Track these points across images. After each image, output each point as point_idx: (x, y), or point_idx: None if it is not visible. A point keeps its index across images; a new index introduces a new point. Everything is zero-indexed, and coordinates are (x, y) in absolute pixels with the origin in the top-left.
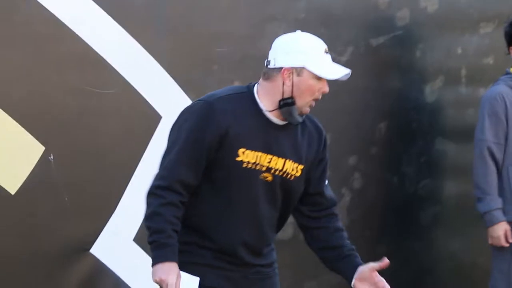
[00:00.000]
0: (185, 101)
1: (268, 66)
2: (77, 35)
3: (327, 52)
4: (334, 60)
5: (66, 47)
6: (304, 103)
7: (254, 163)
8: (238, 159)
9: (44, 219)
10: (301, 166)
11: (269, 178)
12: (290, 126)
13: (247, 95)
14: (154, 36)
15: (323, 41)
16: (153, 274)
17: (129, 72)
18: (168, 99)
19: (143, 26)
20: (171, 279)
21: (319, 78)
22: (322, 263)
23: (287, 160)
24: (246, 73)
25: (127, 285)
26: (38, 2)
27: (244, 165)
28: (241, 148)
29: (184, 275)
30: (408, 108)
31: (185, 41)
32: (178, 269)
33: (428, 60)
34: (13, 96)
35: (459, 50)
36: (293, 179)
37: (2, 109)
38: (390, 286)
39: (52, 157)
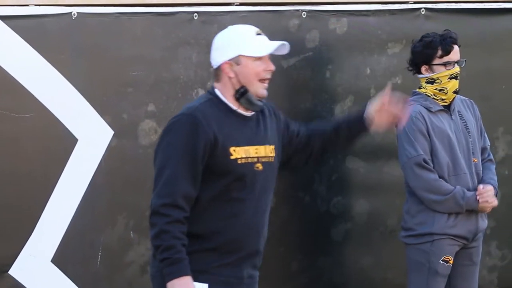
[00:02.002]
0: (101, 124)
1: (213, 68)
2: None
3: (259, 34)
4: None
5: None
6: (256, 87)
7: (246, 157)
8: (232, 157)
9: None
10: (272, 147)
11: (260, 167)
12: (255, 115)
13: (215, 99)
14: (69, 60)
15: (254, 26)
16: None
17: (45, 96)
18: (84, 122)
19: (58, 51)
20: None
21: (258, 59)
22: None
23: (265, 146)
24: (160, 95)
25: None
26: None
27: (239, 161)
28: (231, 147)
29: (195, 284)
30: None
31: (100, 65)
32: (193, 282)
33: (338, 81)
34: None
35: (368, 71)
36: (273, 160)
37: None
38: None
39: None
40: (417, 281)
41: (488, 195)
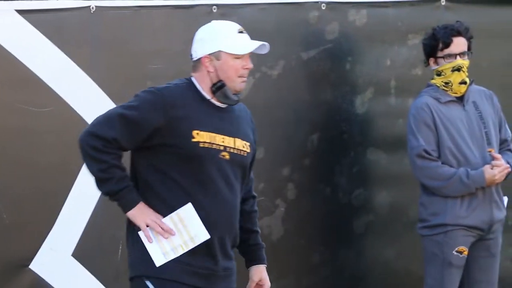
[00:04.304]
0: None
1: (192, 60)
2: (13, 55)
3: (241, 32)
4: (264, 75)
5: (1, 67)
6: (234, 82)
7: (210, 142)
8: (194, 140)
9: None
10: (248, 143)
11: (227, 156)
12: (230, 108)
13: (190, 85)
14: (88, 54)
15: (236, 23)
16: (136, 219)
17: (64, 90)
18: None
19: (77, 45)
20: (160, 221)
21: (238, 57)
22: None
23: (236, 139)
24: None
25: None
26: None
27: (201, 145)
28: (194, 129)
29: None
30: (339, 120)
31: (120, 59)
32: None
33: (358, 72)
34: None
35: (388, 62)
36: (246, 155)
37: None
38: None
39: None
40: (432, 272)
41: (501, 164)
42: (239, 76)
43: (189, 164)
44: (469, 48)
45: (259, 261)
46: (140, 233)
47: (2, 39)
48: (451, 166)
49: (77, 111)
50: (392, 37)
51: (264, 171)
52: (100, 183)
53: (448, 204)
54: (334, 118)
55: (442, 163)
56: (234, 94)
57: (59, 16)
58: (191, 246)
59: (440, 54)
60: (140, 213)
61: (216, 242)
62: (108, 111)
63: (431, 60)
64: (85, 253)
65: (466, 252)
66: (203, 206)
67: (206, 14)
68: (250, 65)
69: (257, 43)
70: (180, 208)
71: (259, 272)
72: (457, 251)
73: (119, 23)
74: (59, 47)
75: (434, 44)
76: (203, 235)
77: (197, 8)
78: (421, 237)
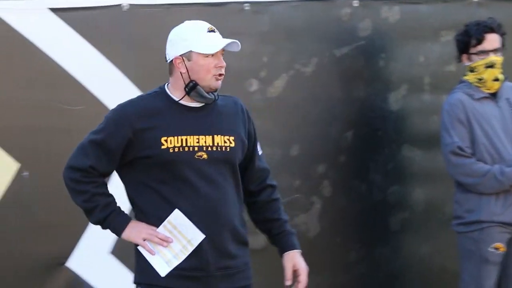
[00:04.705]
0: None
1: (167, 62)
2: (45, 53)
3: (211, 31)
4: (297, 72)
5: (35, 66)
6: (208, 81)
7: (181, 146)
8: (164, 147)
9: (20, 234)
10: (232, 137)
11: (204, 155)
12: (209, 106)
13: (160, 92)
14: (122, 51)
15: (206, 22)
16: (133, 238)
17: (97, 88)
18: None
19: (110, 42)
20: (155, 231)
21: (209, 55)
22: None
23: (215, 136)
24: None
25: None
26: (5, 22)
27: (171, 150)
28: (162, 137)
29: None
30: (374, 117)
31: (152, 56)
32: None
33: (392, 69)
34: None
35: (422, 59)
36: (230, 150)
37: None
38: None
39: (27, 173)
40: (469, 269)
41: None
42: (213, 75)
43: (165, 172)
44: (502, 45)
45: (287, 248)
46: (140, 248)
47: (35, 37)
48: (485, 163)
49: (110, 109)
50: (425, 34)
51: (299, 168)
52: (87, 213)
53: (483, 201)
54: (368, 115)
55: (477, 160)
56: (210, 92)
57: (92, 14)
58: (191, 249)
59: (473, 50)
60: (134, 231)
61: (205, 243)
62: (82, 141)
63: (464, 57)
64: (123, 250)
65: (503, 249)
66: (185, 210)
67: (238, 12)
68: (223, 63)
69: (226, 41)
70: (169, 216)
71: (290, 259)
72: (493, 248)
73: (151, 20)
74: (92, 44)
75: (467, 41)
76: (199, 236)
77: (228, 6)
78: (456, 234)
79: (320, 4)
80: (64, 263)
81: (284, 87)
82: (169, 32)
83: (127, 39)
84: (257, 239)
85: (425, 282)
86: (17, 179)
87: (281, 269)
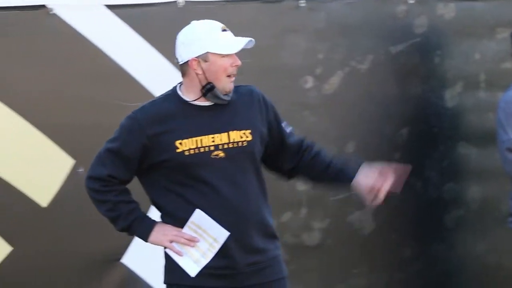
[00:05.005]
0: None
1: (179, 64)
2: (101, 50)
3: (225, 30)
4: (353, 69)
5: (91, 62)
6: (223, 83)
7: (196, 147)
8: (178, 150)
9: (75, 230)
10: (248, 130)
11: (221, 154)
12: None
13: (171, 95)
14: None
15: (218, 21)
16: (159, 241)
17: (153, 84)
18: None
19: (166, 39)
20: (181, 233)
21: (225, 56)
22: (326, 186)
23: (231, 132)
24: (268, 83)
25: None
26: (62, 19)
27: (186, 153)
28: (176, 140)
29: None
30: (429, 114)
31: None
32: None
33: (447, 66)
34: (43, 111)
35: (477, 56)
36: (247, 144)
37: (33, 124)
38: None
39: (82, 169)
40: None
41: None
42: (228, 76)
43: (184, 174)
44: None
45: (354, 172)
46: (168, 251)
47: (92, 34)
48: None
49: None
50: (481, 31)
51: None
52: (112, 222)
53: None
54: (424, 112)
55: None
56: (224, 94)
57: (148, 10)
58: (218, 247)
59: None
60: (160, 235)
61: (231, 241)
62: (99, 150)
63: None
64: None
65: None
66: (208, 211)
67: (294, 9)
68: (238, 62)
69: (244, 40)
70: (191, 217)
71: (363, 177)
72: None
73: (206, 17)
74: (147, 41)
75: None
76: (224, 233)
77: (284, 3)
78: None
79: (376, 1)
80: (119, 259)
81: (339, 84)
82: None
83: None
84: (311, 236)
85: (480, 280)
86: (72, 175)
87: (335, 266)
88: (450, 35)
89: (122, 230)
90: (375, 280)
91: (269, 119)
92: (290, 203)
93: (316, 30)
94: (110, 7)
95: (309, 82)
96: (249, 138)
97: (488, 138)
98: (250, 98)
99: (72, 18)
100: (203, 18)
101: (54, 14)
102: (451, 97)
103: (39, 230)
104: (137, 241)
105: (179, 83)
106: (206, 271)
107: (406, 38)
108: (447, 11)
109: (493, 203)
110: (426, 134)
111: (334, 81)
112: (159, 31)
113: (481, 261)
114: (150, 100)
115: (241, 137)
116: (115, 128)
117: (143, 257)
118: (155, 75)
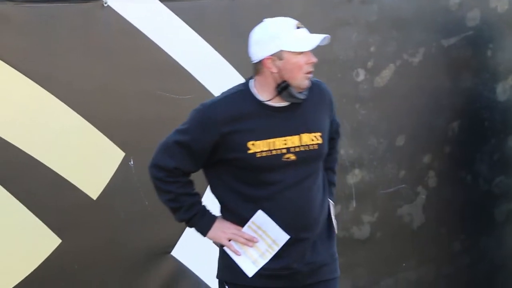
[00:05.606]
0: None
1: (252, 62)
2: (154, 42)
3: (299, 27)
4: (405, 62)
5: (144, 55)
6: (298, 81)
7: (268, 150)
8: (250, 151)
9: (125, 223)
10: (319, 134)
11: (292, 157)
12: (294, 104)
13: (244, 92)
14: (228, 40)
15: (292, 18)
16: (218, 238)
17: (205, 77)
18: None
19: (218, 32)
20: (240, 232)
21: (300, 53)
22: None
23: (302, 134)
24: (320, 76)
25: (208, 286)
26: (117, 12)
27: (258, 155)
28: (249, 141)
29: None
30: (480, 107)
31: None
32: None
33: (499, 60)
34: (94, 104)
35: None
36: (318, 147)
37: (83, 117)
38: (465, 281)
39: (132, 162)
40: None
41: None
42: (304, 73)
43: (251, 174)
44: None
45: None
46: (226, 249)
47: (144, 27)
48: None
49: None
50: None
51: (405, 158)
52: (172, 212)
53: None
54: (475, 105)
55: None
56: (299, 92)
57: (200, 4)
58: (276, 248)
59: None
60: (219, 232)
61: (290, 244)
62: (166, 138)
63: None
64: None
65: None
66: (270, 212)
67: (346, 2)
68: (314, 59)
69: (319, 37)
70: (253, 217)
71: None
72: None
73: (259, 11)
74: (199, 34)
75: None
76: (283, 236)
77: None
78: None
79: None
80: (169, 252)
81: (391, 77)
82: None
83: (234, 29)
84: (362, 229)
85: None
86: (123, 168)
87: (384, 259)
88: (503, 28)
89: (181, 221)
90: (424, 274)
91: (332, 118)
92: (340, 197)
93: (368, 23)
94: (163, 0)
95: (361, 75)
96: (320, 141)
97: None
98: (320, 98)
99: (125, 11)
100: (255, 12)
101: (108, 7)
102: (503, 90)
103: (88, 222)
104: (187, 234)
105: (250, 78)
106: (262, 271)
107: (458, 31)
108: (500, 4)
109: None
110: (477, 128)
111: (385, 74)
112: (211, 25)
113: None
114: (221, 95)
115: (312, 140)
116: (167, 121)
117: (193, 250)
118: (207, 69)
